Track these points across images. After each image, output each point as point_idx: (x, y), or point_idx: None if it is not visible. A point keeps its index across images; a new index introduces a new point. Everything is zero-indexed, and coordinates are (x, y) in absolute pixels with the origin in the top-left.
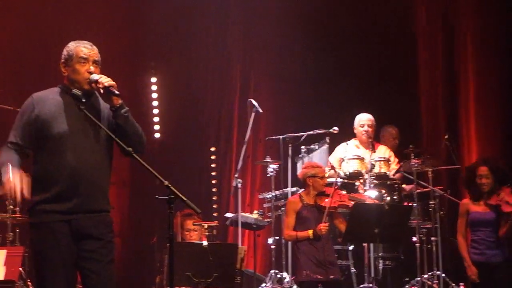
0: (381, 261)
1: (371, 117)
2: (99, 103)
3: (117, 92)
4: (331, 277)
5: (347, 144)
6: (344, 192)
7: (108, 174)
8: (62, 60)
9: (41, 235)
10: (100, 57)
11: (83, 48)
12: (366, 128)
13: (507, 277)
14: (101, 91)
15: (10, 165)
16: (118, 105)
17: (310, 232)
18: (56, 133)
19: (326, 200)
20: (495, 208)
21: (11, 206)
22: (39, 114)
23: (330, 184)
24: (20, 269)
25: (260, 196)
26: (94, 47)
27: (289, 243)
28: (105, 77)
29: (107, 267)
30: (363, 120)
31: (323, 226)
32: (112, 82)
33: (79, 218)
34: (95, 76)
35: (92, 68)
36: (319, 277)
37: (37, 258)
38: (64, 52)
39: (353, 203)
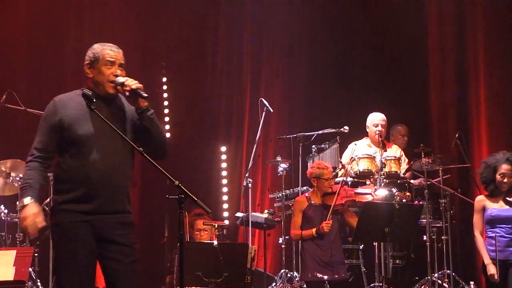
0: (391, 260)
1: (384, 117)
2: (123, 104)
3: (145, 95)
4: (336, 276)
5: (357, 143)
6: (350, 189)
7: (129, 175)
8: (87, 62)
9: (63, 235)
10: (124, 60)
11: (109, 51)
12: (379, 128)
13: None
14: (127, 93)
15: (28, 198)
16: (144, 107)
17: (314, 230)
18: (79, 136)
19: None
20: None
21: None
22: (62, 118)
23: (338, 182)
24: (30, 269)
25: (271, 196)
26: (120, 50)
27: (299, 242)
28: (131, 79)
29: (130, 267)
30: (377, 120)
31: (326, 224)
32: (139, 85)
33: (101, 219)
34: (120, 79)
35: (118, 72)
36: (324, 276)
37: (58, 257)
38: (90, 54)
39: (359, 198)
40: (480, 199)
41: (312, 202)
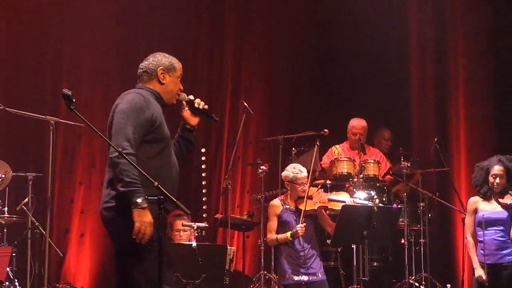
0: (369, 263)
1: (364, 124)
2: None
3: (216, 118)
4: (314, 278)
5: (338, 146)
6: (325, 194)
7: None
8: (164, 67)
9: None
10: None
11: (181, 66)
12: (357, 136)
13: None
14: (186, 109)
15: (144, 200)
16: (195, 126)
17: (288, 234)
18: (166, 135)
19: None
20: (508, 207)
21: None
22: (154, 114)
23: (315, 185)
24: (8, 269)
25: (250, 198)
26: None
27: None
28: (199, 99)
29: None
30: (356, 129)
31: (300, 228)
32: (206, 106)
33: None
34: (191, 97)
35: (181, 88)
36: (300, 279)
37: (145, 247)
38: (165, 61)
39: (332, 206)
40: (473, 201)
41: (287, 205)
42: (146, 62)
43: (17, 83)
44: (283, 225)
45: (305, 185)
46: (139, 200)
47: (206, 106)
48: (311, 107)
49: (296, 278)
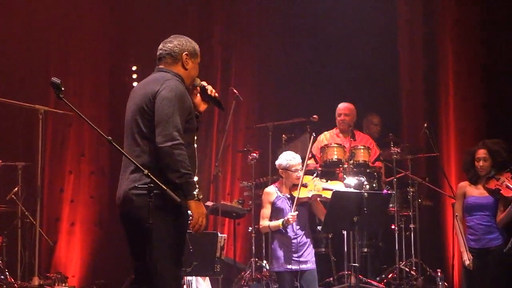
0: (360, 249)
1: (348, 106)
2: None
3: (223, 106)
4: (304, 266)
5: (327, 133)
6: (321, 181)
7: None
8: (189, 52)
9: (180, 216)
10: None
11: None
12: (342, 117)
13: (501, 263)
14: (198, 95)
15: (199, 192)
16: (202, 112)
17: (281, 222)
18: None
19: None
20: (493, 193)
21: None
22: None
23: (310, 173)
24: None
25: (241, 185)
26: None
27: (269, 232)
28: (211, 87)
29: None
30: (339, 110)
31: (291, 216)
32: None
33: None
34: (204, 83)
35: None
36: (292, 267)
37: (172, 236)
38: (191, 46)
39: (326, 194)
40: (462, 186)
41: (281, 193)
42: (170, 45)
43: (5, 72)
44: (277, 212)
45: (298, 171)
46: (195, 192)
47: (216, 94)
48: (301, 94)
49: (287, 266)
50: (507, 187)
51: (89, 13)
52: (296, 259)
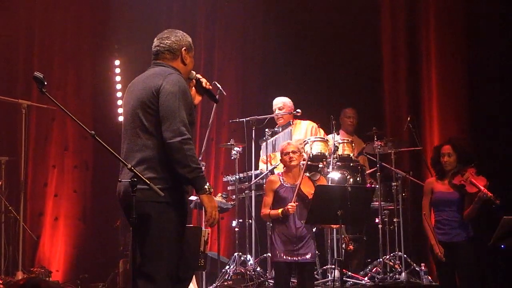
0: (343, 243)
1: (281, 100)
2: None
3: (217, 98)
4: (302, 258)
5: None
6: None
7: None
8: (186, 47)
9: (183, 213)
10: None
11: None
12: (276, 111)
13: (469, 256)
14: (193, 87)
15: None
16: (197, 105)
17: (280, 211)
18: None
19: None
20: (459, 188)
21: None
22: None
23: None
24: None
25: (224, 179)
26: None
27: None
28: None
29: None
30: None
31: (291, 206)
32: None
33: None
34: (199, 75)
35: None
36: (291, 258)
37: (173, 233)
38: (187, 41)
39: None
40: (428, 182)
41: (284, 182)
42: (168, 41)
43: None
44: (279, 201)
45: (292, 153)
46: (207, 186)
47: (210, 86)
48: (283, 88)
49: (285, 256)
50: (471, 183)
51: (72, 7)
52: (296, 250)
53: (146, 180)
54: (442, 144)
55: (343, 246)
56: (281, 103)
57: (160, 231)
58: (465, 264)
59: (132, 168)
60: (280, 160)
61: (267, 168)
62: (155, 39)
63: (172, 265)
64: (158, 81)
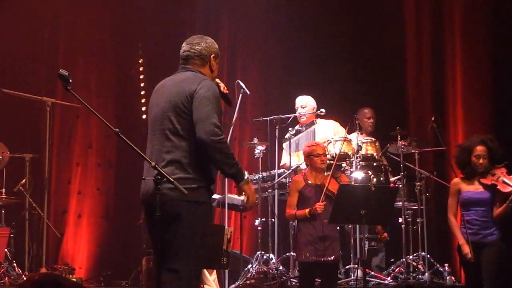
0: (366, 242)
1: (304, 98)
2: None
3: (231, 102)
4: (326, 258)
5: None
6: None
7: None
8: (216, 55)
9: (208, 215)
10: None
11: None
12: (299, 110)
13: (496, 256)
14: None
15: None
16: None
17: (307, 210)
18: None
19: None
20: (490, 188)
21: None
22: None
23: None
24: (6, 250)
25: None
26: None
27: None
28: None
29: None
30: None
31: (319, 205)
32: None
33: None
34: (217, 80)
35: None
36: (316, 258)
37: (200, 234)
38: (215, 48)
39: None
40: (455, 182)
41: (309, 181)
42: (198, 47)
43: (14, 65)
44: (304, 201)
45: (323, 156)
46: (246, 176)
47: (227, 91)
48: (306, 86)
49: (310, 257)
50: (504, 182)
51: (96, 7)
52: (321, 251)
53: (170, 178)
54: (473, 145)
55: (378, 236)
56: (304, 101)
57: (191, 229)
58: (492, 264)
59: (156, 166)
60: (305, 160)
61: (290, 161)
62: (185, 43)
63: (199, 264)
64: (192, 86)
